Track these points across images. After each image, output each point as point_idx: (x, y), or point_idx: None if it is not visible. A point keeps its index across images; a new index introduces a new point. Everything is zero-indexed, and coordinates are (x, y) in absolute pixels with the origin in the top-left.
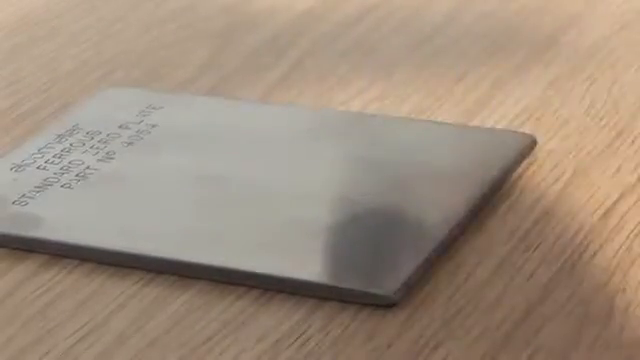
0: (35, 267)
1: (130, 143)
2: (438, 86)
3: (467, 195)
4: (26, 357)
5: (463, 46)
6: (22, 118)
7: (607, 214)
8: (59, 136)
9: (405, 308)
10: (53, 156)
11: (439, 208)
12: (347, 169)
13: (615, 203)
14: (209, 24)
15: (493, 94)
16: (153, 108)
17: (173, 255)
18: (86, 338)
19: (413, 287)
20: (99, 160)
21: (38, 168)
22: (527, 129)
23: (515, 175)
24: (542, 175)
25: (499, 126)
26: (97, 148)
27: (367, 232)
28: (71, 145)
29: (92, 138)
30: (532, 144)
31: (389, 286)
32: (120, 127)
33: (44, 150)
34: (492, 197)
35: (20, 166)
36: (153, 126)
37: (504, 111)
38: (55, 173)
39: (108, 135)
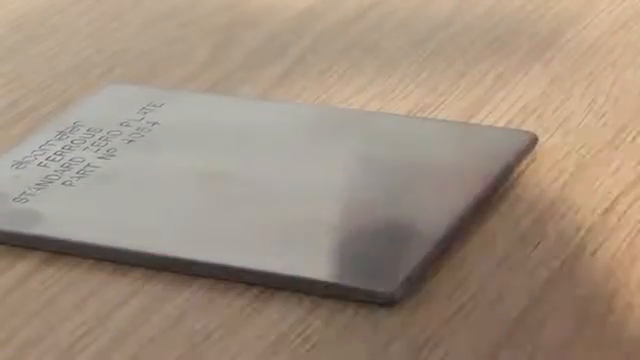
0: (36, 264)
1: (131, 140)
2: (439, 84)
3: (468, 193)
4: (27, 354)
5: (464, 44)
6: (23, 115)
7: (608, 212)
8: (60, 133)
9: (406, 306)
10: (54, 153)
11: (440, 205)
12: (347, 167)
13: (615, 201)
14: (210, 21)
15: (494, 92)
16: (154, 105)
17: (173, 252)
18: (86, 335)
19: (414, 285)
20: (100, 157)
21: (39, 165)
22: (528, 127)
23: (516, 173)
24: (543, 173)
25: (500, 124)
26: (98, 145)
27: (368, 229)
28: (72, 142)
29: (93, 135)
30: (533, 142)
31: (390, 284)
32: (121, 124)
33: (45, 147)
34: (493, 195)
35: (21, 163)
36: (154, 123)
37: (505, 109)
38: (56, 170)
39: (109, 132)
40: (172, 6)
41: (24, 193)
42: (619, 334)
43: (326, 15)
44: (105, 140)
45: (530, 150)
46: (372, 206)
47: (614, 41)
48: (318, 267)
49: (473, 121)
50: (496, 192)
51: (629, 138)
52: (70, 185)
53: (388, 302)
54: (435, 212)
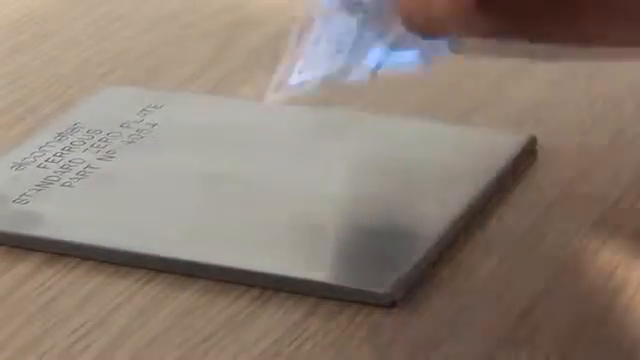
0: (35, 265)
1: (131, 142)
2: (438, 86)
3: (467, 195)
4: (26, 355)
5: None
6: (23, 116)
7: (607, 214)
8: (60, 134)
9: (405, 307)
10: (54, 155)
11: (439, 207)
12: (347, 168)
13: (616, 201)
14: (210, 23)
15: (494, 94)
16: (154, 107)
17: (173, 254)
18: (86, 336)
19: (413, 286)
20: (99, 159)
21: (38, 167)
22: (527, 129)
23: (515, 175)
24: (542, 174)
25: (500, 126)
26: (98, 147)
27: (367, 231)
28: (72, 144)
29: (93, 137)
30: (532, 144)
31: (389, 285)
32: (121, 126)
33: (45, 148)
34: (492, 197)
35: (20, 164)
36: (154, 125)
37: (505, 111)
38: (55, 172)
39: (109, 134)
40: (172, 8)
41: (24, 194)
42: (618, 336)
43: None
44: (105, 141)
45: (529, 152)
46: (371, 207)
47: None
48: (317, 269)
49: (473, 123)
50: (495, 194)
51: (629, 140)
52: (70, 186)
53: (387, 303)
54: (434, 214)
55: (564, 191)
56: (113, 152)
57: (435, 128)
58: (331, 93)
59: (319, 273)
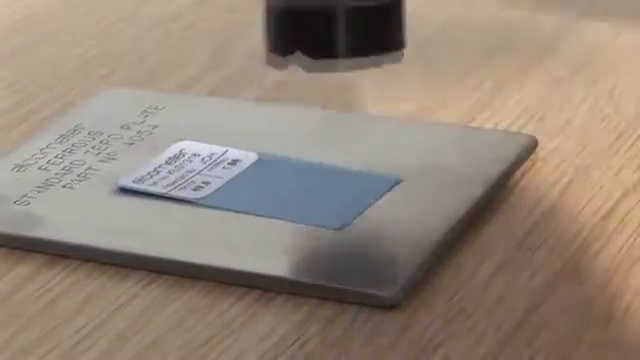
0: (36, 267)
1: (132, 143)
2: (439, 87)
3: (468, 196)
4: (27, 357)
5: (464, 48)
6: (24, 118)
7: (608, 215)
8: (61, 136)
9: (406, 309)
10: (55, 156)
11: (440, 209)
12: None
13: (616, 204)
14: (211, 25)
15: (494, 95)
16: (155, 109)
17: (174, 255)
18: (87, 338)
19: (413, 288)
20: (101, 160)
21: (39, 168)
22: (528, 130)
23: (516, 176)
24: (543, 176)
25: (500, 127)
26: (99, 148)
27: (367, 233)
28: (73, 145)
29: (94, 138)
30: (533, 145)
31: (390, 287)
32: (122, 127)
33: (46, 150)
34: (493, 198)
35: (22, 166)
36: (155, 127)
37: (505, 112)
38: (57, 173)
39: (110, 135)
40: (173, 10)
41: (25, 196)
42: (619, 337)
43: None
44: (106, 143)
45: (530, 154)
46: (372, 209)
47: (614, 45)
48: (318, 270)
49: (473, 125)
50: (496, 195)
51: (630, 141)
52: (71, 188)
53: (388, 305)
54: (435, 215)
55: (565, 192)
56: (114, 154)
57: (436, 130)
58: (331, 94)
59: (319, 275)
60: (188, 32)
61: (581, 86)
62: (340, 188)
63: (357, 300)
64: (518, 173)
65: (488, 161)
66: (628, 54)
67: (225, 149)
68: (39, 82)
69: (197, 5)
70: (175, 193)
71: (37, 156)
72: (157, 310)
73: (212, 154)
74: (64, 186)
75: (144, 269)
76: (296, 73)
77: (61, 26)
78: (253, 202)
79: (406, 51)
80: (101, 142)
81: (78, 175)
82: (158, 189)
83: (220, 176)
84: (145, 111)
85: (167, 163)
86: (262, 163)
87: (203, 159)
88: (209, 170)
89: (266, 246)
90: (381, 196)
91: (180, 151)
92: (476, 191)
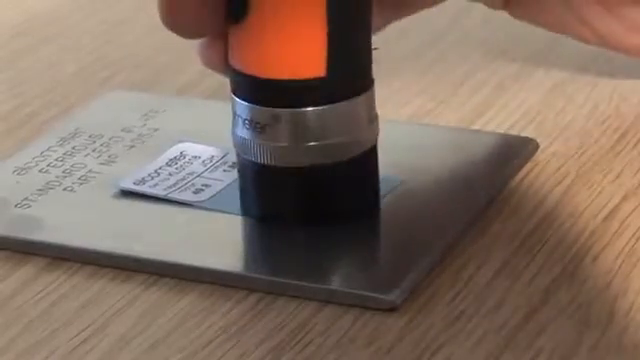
0: (37, 270)
1: (132, 146)
2: (439, 90)
3: (469, 199)
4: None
5: (464, 51)
6: (25, 121)
7: (609, 218)
8: (61, 139)
9: (406, 312)
10: (55, 159)
11: (441, 211)
12: None
13: (617, 207)
14: None
15: (495, 98)
16: (155, 112)
17: (174, 258)
18: (87, 341)
19: (414, 291)
20: (101, 163)
21: (40, 171)
22: (529, 133)
23: (517, 179)
24: (544, 179)
25: (501, 130)
26: (99, 151)
27: (369, 236)
28: (73, 148)
29: (94, 141)
30: (534, 148)
31: (391, 290)
32: (122, 130)
33: (46, 153)
34: (494, 201)
35: (22, 169)
36: (155, 130)
37: (506, 115)
38: (57, 176)
39: (110, 138)
40: None
41: (25, 199)
42: (620, 340)
43: None
44: (106, 146)
45: (531, 156)
46: (372, 213)
47: None
48: (319, 273)
49: (474, 127)
50: (497, 198)
51: (630, 144)
52: (71, 191)
53: (389, 308)
54: (436, 218)
55: (566, 195)
56: (115, 157)
57: (436, 132)
58: None
59: (321, 278)
60: None
61: (582, 89)
62: None
63: (358, 303)
64: (518, 176)
65: (488, 164)
66: (628, 58)
67: (226, 152)
68: (40, 85)
69: None
70: (175, 195)
71: (38, 159)
72: (158, 313)
73: (212, 156)
74: (65, 189)
75: (144, 272)
76: None
77: (61, 29)
78: None
79: (406, 54)
80: (102, 145)
81: (79, 178)
82: (158, 191)
83: (220, 179)
84: (146, 114)
85: (168, 165)
86: None
87: (204, 161)
88: (209, 173)
89: (267, 250)
90: (382, 198)
91: (180, 153)
92: (477, 194)
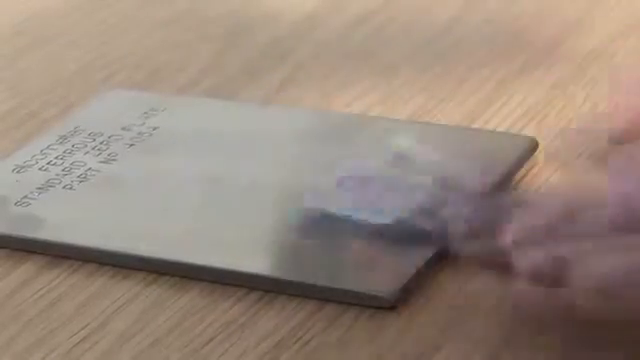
0: (37, 268)
1: (132, 145)
2: (440, 89)
3: (469, 197)
4: (28, 358)
5: (465, 50)
6: (24, 120)
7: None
8: (61, 137)
9: (406, 311)
10: (55, 157)
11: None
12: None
13: None
14: (211, 27)
15: (495, 97)
16: (155, 110)
17: (174, 256)
18: (88, 339)
19: (413, 290)
20: (101, 161)
21: (40, 169)
22: (529, 132)
23: (517, 178)
24: (544, 178)
25: (501, 129)
26: (99, 149)
27: (368, 234)
28: (73, 146)
29: (94, 140)
30: (534, 147)
31: (390, 288)
32: (122, 129)
33: (46, 151)
34: None
35: (22, 167)
36: (155, 128)
37: (506, 114)
38: (57, 174)
39: (110, 137)
40: (173, 12)
41: (25, 197)
42: (620, 338)
43: (327, 21)
44: (106, 144)
45: (531, 155)
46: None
47: (614, 47)
48: (319, 271)
49: (474, 126)
50: None
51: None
52: (71, 189)
53: (388, 307)
54: (436, 217)
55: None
56: (115, 155)
57: (437, 131)
58: (331, 100)
59: (320, 276)
60: (189, 34)
61: (582, 88)
62: None
63: (357, 301)
64: (519, 175)
65: (489, 163)
66: (628, 56)
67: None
68: (40, 84)
69: (196, 8)
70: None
71: (37, 157)
72: (157, 311)
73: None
74: (64, 187)
75: (144, 270)
76: None
77: (62, 28)
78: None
79: (406, 53)
80: (101, 143)
81: (78, 176)
82: (342, 210)
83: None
84: (145, 113)
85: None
86: None
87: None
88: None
89: (266, 247)
90: None
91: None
92: (476, 193)
